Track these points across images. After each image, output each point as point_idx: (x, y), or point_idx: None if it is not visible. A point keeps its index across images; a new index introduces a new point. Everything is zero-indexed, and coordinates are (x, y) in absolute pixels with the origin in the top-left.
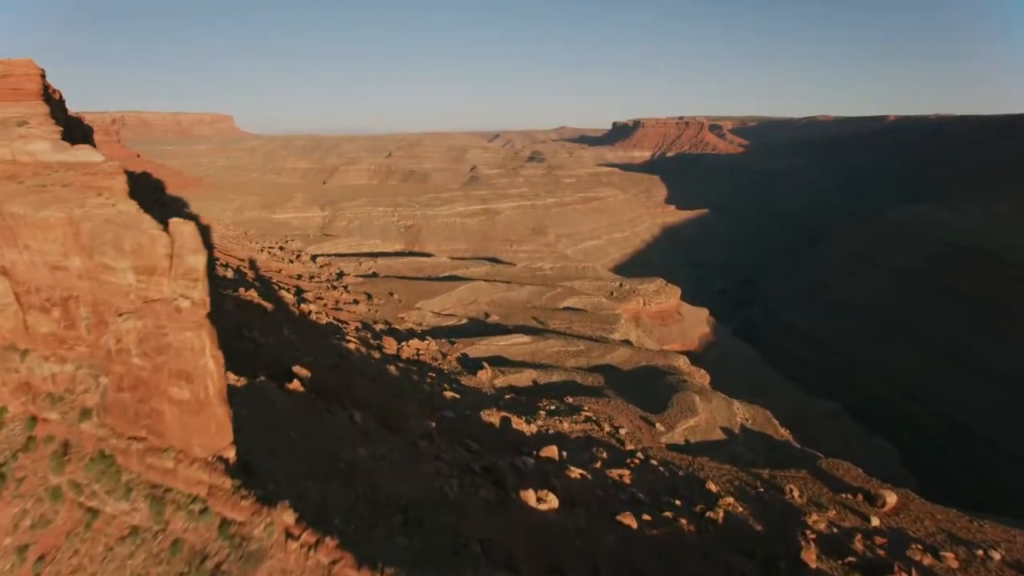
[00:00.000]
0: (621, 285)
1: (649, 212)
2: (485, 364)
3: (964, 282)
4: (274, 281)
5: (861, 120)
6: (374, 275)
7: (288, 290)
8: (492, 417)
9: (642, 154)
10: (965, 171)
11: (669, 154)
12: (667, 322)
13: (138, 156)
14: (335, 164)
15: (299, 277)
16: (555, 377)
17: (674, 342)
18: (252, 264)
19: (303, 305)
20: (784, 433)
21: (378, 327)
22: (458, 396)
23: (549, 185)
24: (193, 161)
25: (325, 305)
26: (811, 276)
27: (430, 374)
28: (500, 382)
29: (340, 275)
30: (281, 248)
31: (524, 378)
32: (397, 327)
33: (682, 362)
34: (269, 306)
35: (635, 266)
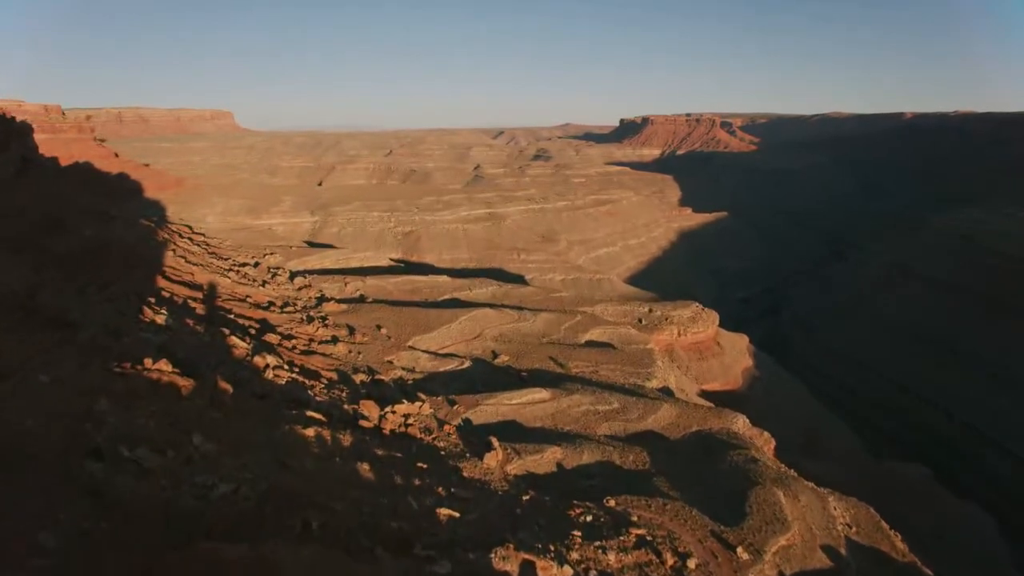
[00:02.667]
0: (651, 311)
1: (665, 216)
2: (494, 441)
3: (1021, 297)
4: (232, 316)
5: (877, 117)
6: (361, 299)
7: (247, 331)
8: (508, 564)
9: (651, 152)
10: (990, 171)
11: (680, 152)
12: (705, 355)
13: (116, 155)
14: (332, 162)
15: (269, 306)
16: (586, 455)
17: (714, 380)
18: (211, 292)
19: (258, 358)
20: (902, 547)
21: (358, 379)
22: (457, 514)
23: (558, 186)
24: (185, 159)
25: (293, 349)
26: (845, 287)
27: (420, 464)
28: (515, 469)
29: (320, 300)
30: (256, 264)
31: (546, 461)
32: (383, 377)
33: (740, 424)
34: (185, 385)
35: (652, 275)
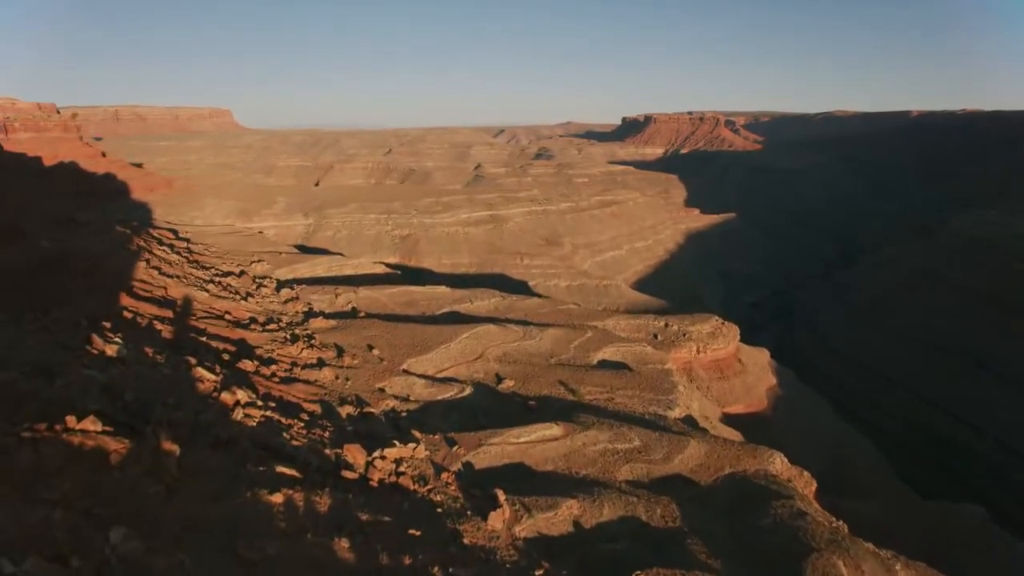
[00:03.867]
0: (667, 325)
1: (672, 217)
2: (500, 496)
3: None
4: (205, 339)
5: (882, 116)
6: (352, 313)
7: (220, 356)
8: None
9: (654, 151)
10: (1000, 171)
11: (683, 151)
12: (726, 374)
13: (103, 155)
14: (330, 162)
15: (250, 324)
16: (607, 510)
17: (737, 402)
18: (184, 309)
19: (226, 394)
20: None
21: (345, 412)
22: None
23: (561, 186)
24: (181, 158)
25: (272, 376)
26: (860, 292)
27: (412, 531)
28: (525, 530)
29: (308, 315)
30: (242, 273)
31: (561, 519)
32: (372, 409)
33: (778, 463)
34: (118, 448)
35: (660, 280)
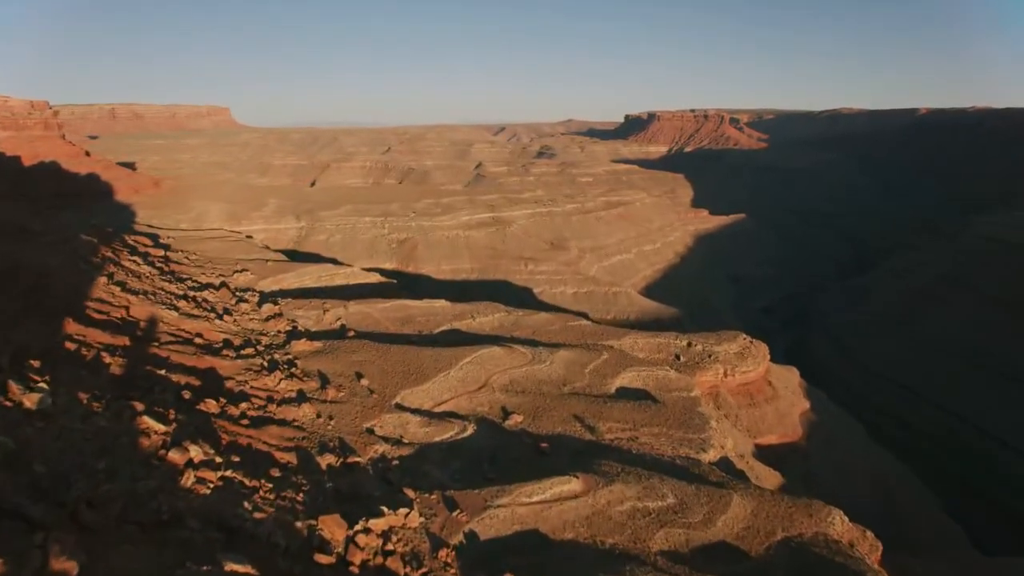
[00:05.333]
0: (690, 344)
1: (680, 218)
2: None
3: None
4: (164, 372)
5: (889, 113)
6: (341, 332)
7: (179, 394)
8: None
9: (658, 149)
10: (1014, 170)
11: (687, 149)
12: (757, 400)
13: (87, 154)
14: (327, 160)
15: (222, 348)
16: None
17: (770, 432)
18: (146, 333)
19: (175, 453)
20: None
21: (325, 463)
22: None
23: (565, 185)
24: (174, 157)
25: (241, 418)
26: (882, 299)
27: None
28: None
29: (291, 336)
30: (222, 285)
31: None
32: (359, 457)
33: (838, 523)
34: None
35: (669, 285)
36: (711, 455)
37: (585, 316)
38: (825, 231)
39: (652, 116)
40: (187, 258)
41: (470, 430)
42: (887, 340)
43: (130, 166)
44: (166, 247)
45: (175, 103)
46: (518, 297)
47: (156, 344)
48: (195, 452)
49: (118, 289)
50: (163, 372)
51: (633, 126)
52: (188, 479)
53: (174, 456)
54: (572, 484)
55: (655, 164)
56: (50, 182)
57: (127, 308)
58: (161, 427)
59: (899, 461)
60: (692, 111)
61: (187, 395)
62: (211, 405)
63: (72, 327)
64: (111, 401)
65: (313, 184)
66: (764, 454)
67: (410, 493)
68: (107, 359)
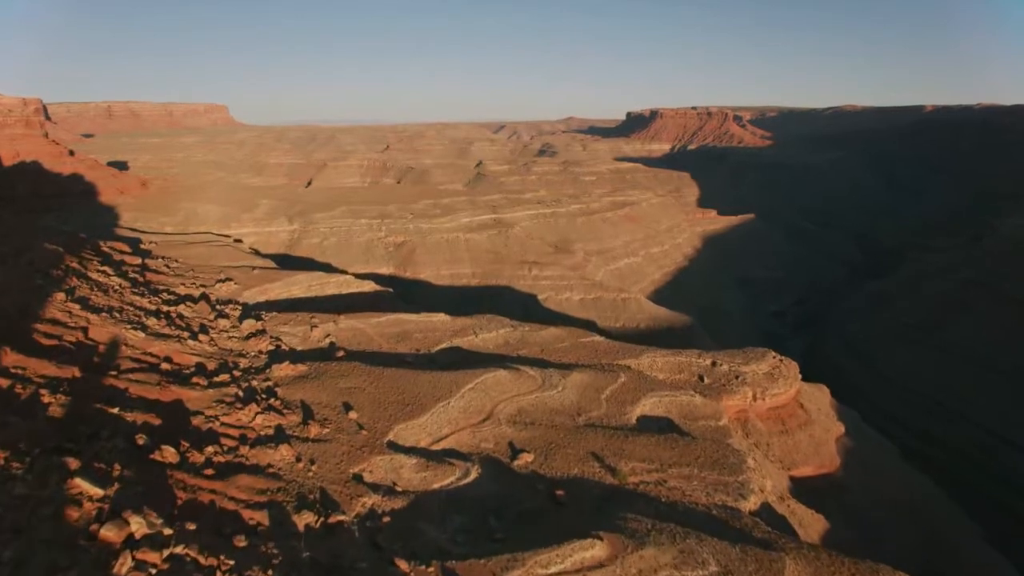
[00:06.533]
0: (715, 364)
1: (688, 219)
2: None
3: None
4: (118, 408)
5: (894, 110)
6: (329, 352)
7: (130, 441)
8: None
9: (661, 147)
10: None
11: (691, 147)
12: (789, 426)
13: (70, 153)
14: (324, 159)
15: (192, 375)
16: None
17: (805, 463)
18: (104, 360)
19: (109, 529)
20: None
21: (302, 524)
22: None
23: (568, 185)
24: (168, 156)
25: (206, 466)
26: (905, 307)
27: None
28: None
29: (273, 356)
30: (201, 298)
31: None
32: (343, 515)
33: None
34: None
35: (679, 289)
36: (751, 503)
37: (593, 324)
38: (834, 231)
39: (655, 113)
40: (167, 266)
41: (473, 474)
42: (912, 350)
43: (122, 165)
44: (146, 254)
45: (173, 101)
46: (522, 304)
47: (114, 373)
48: (137, 525)
49: (77, 307)
50: (116, 411)
51: (635, 123)
52: (123, 566)
53: (108, 533)
54: (596, 549)
55: (658, 162)
56: (29, 182)
57: (85, 330)
58: (98, 491)
59: (937, 486)
60: (694, 108)
61: (141, 440)
62: (169, 454)
63: (9, 358)
64: (39, 457)
65: (309, 184)
66: (800, 489)
67: (402, 565)
68: (46, 398)
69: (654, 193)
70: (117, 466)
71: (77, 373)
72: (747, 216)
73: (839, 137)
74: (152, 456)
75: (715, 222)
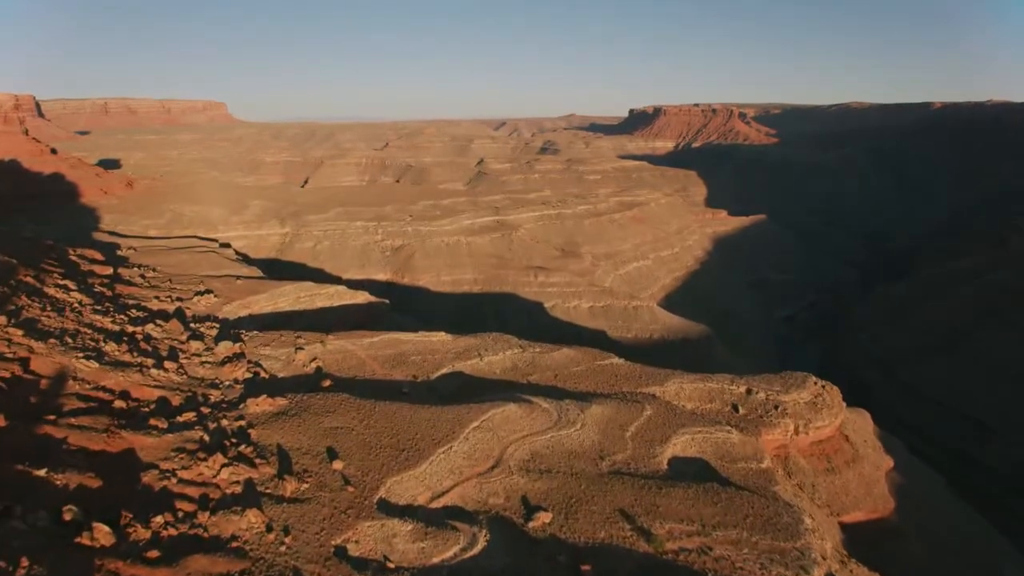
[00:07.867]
0: (750, 391)
1: (697, 220)
2: None
3: None
4: (46, 470)
5: (902, 108)
6: (315, 378)
7: (55, 517)
8: None
9: (665, 144)
10: None
11: (695, 145)
12: (835, 463)
13: (53, 152)
14: (322, 157)
15: (150, 416)
16: None
17: (856, 507)
18: (42, 399)
19: None
20: None
21: None
22: None
23: (572, 184)
24: (162, 153)
25: (152, 543)
26: (930, 313)
27: None
28: None
29: (249, 386)
30: (176, 313)
31: None
32: None
33: None
34: None
35: (691, 294)
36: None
37: (604, 334)
38: (844, 232)
39: (658, 110)
40: (142, 276)
41: (481, 541)
42: (940, 361)
43: (114, 163)
44: (121, 261)
45: (171, 98)
46: (528, 313)
47: (52, 418)
48: None
49: (20, 333)
50: (44, 472)
51: (638, 121)
52: None
53: None
54: None
55: (663, 160)
56: (5, 182)
57: (25, 361)
58: None
59: (987, 521)
60: (697, 105)
61: (69, 515)
62: (101, 534)
63: None
64: None
65: (305, 183)
66: (853, 539)
67: None
68: None
69: (662, 193)
70: (24, 561)
71: (2, 422)
72: (758, 217)
73: (846, 135)
74: (78, 539)
75: (725, 223)
